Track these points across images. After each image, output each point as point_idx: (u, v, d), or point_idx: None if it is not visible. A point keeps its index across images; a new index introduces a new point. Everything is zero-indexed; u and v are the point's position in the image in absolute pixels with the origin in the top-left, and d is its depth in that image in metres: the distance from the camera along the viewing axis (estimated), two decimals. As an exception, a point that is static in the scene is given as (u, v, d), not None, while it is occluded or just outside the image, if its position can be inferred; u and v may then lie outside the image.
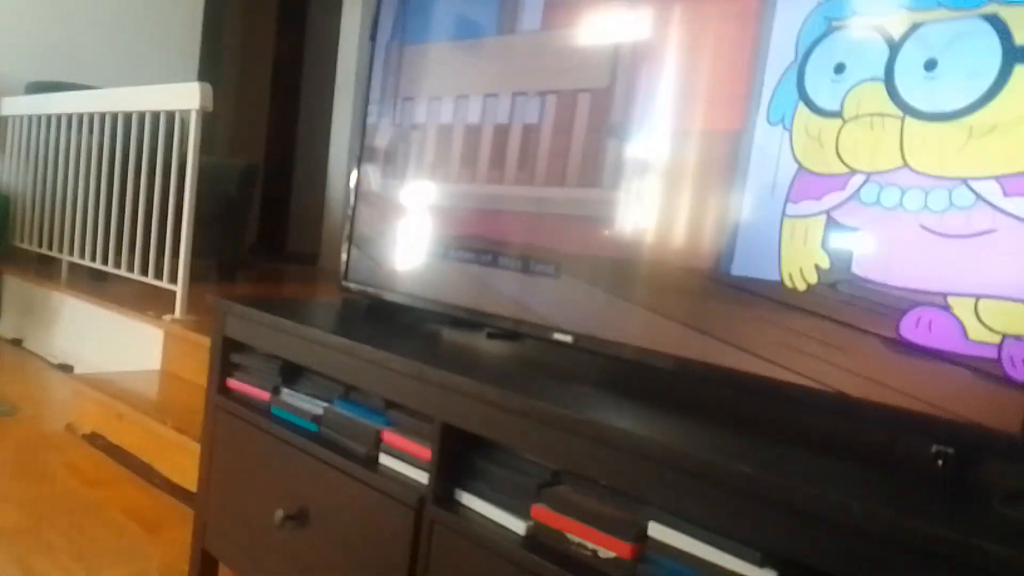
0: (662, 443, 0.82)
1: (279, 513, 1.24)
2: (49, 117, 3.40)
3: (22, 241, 3.62)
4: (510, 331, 1.22)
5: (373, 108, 1.48)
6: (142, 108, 2.81)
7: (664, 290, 1.01)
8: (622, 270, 1.06)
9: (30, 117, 3.57)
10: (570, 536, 0.91)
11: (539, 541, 0.94)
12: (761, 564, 0.75)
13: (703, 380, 0.98)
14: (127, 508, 2.00)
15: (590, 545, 0.88)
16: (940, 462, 0.77)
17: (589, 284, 1.09)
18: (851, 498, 0.68)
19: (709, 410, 1.00)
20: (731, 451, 0.81)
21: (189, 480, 1.90)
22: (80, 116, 3.17)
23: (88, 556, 1.72)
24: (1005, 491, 0.74)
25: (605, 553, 0.87)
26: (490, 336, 1.33)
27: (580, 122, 1.12)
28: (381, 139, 1.47)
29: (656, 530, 0.83)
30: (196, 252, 2.58)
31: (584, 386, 1.10)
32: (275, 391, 1.35)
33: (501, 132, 1.23)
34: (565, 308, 1.11)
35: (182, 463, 2.03)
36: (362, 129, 1.50)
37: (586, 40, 1.15)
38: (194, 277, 2.62)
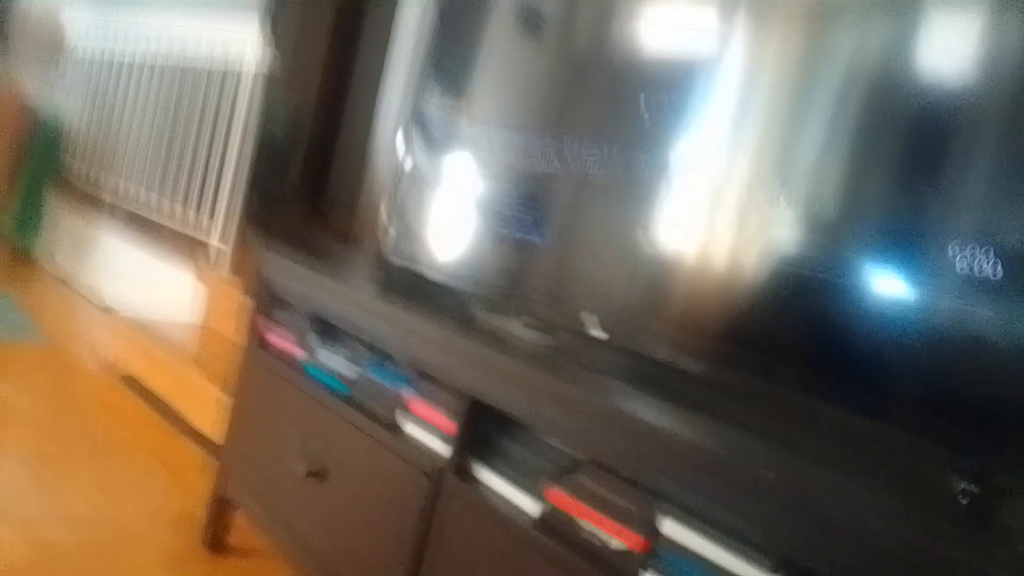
0: (683, 438, 0.81)
1: (301, 467, 1.26)
2: (112, 61, 3.62)
3: (74, 176, 3.77)
4: (546, 322, 1.22)
5: (426, 74, 1.48)
6: (203, 66, 2.97)
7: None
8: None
9: (94, 58, 3.75)
10: (581, 523, 0.91)
11: (550, 524, 0.94)
12: (774, 571, 0.74)
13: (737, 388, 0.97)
14: (153, 451, 2.05)
15: (601, 535, 0.89)
16: (964, 500, 0.75)
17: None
18: (871, 513, 0.67)
19: (741, 418, 0.99)
20: (756, 456, 0.81)
21: (218, 432, 1.94)
22: (141, 64, 3.37)
23: (109, 488, 1.77)
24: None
25: (616, 544, 0.87)
26: (527, 325, 1.33)
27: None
28: (431, 107, 1.46)
29: (670, 527, 0.83)
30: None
31: (615, 380, 1.10)
32: (310, 349, 1.38)
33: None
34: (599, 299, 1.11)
35: (213, 414, 2.08)
36: (414, 92, 1.50)
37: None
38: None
